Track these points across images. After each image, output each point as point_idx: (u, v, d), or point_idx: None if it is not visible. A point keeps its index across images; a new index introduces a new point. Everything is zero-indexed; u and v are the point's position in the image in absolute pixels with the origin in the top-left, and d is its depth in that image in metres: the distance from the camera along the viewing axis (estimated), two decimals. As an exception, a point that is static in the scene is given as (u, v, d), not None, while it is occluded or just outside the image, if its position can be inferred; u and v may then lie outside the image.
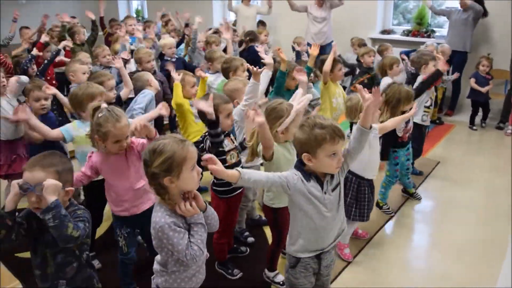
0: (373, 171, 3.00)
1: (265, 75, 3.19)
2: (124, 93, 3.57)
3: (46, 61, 4.69)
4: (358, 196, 2.99)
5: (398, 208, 3.82)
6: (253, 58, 4.59)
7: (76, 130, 2.80)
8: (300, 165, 2.00)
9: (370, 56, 5.05)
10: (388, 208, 3.72)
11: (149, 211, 2.37)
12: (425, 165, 4.61)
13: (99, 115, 2.26)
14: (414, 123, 3.86)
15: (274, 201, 2.61)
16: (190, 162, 1.73)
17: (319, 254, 2.13)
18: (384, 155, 3.44)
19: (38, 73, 4.47)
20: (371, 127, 2.05)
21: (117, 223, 2.56)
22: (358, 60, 5.36)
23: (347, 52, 6.73)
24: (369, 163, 2.93)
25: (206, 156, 1.75)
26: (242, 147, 2.77)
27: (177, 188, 1.74)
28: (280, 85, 3.53)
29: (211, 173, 2.55)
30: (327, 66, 3.84)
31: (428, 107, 4.08)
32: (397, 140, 3.55)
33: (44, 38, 4.85)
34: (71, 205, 1.90)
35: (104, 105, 2.36)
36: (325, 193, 1.99)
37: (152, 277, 1.85)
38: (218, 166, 1.77)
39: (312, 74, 4.60)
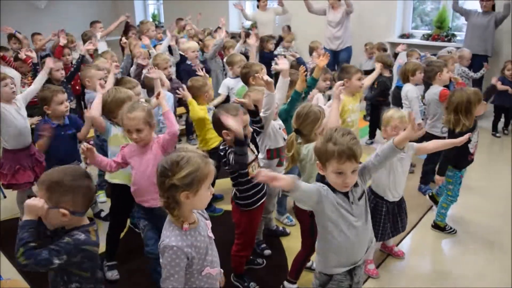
0: (395, 193, 2.86)
1: (283, 83, 3.10)
2: (154, 102, 3.51)
3: (73, 68, 4.67)
4: (374, 216, 2.85)
5: (420, 218, 3.70)
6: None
7: (114, 130, 2.93)
8: (321, 179, 1.95)
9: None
10: (451, 228, 3.50)
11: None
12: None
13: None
14: (435, 136, 3.75)
15: None
16: (209, 180, 1.70)
17: (351, 270, 2.05)
18: (442, 171, 3.27)
19: (65, 79, 4.47)
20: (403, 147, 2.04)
21: (139, 215, 2.68)
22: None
23: (360, 57, 6.62)
24: (391, 184, 2.82)
25: (261, 172, 1.72)
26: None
27: (190, 205, 1.69)
28: (293, 107, 3.22)
29: (234, 185, 2.57)
30: (368, 81, 3.80)
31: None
32: (467, 158, 3.27)
33: (63, 40, 4.86)
34: (73, 229, 1.79)
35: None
36: (352, 203, 1.94)
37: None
38: (275, 176, 1.73)
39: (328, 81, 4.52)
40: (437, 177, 3.31)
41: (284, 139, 3.01)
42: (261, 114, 2.78)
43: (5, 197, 4.15)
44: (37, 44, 6.15)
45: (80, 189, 1.78)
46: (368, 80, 4.08)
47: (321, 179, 1.96)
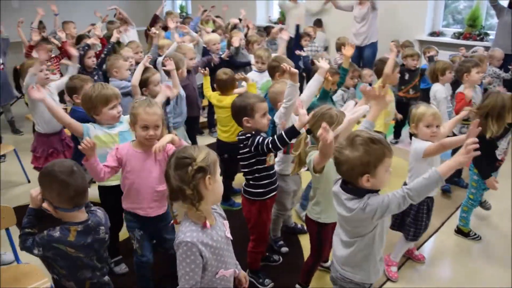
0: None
1: (317, 81, 3.03)
2: (173, 93, 3.51)
3: (103, 55, 4.70)
4: (417, 216, 2.81)
5: (443, 222, 3.60)
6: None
7: (93, 130, 2.66)
8: (365, 189, 1.80)
9: (414, 60, 4.87)
10: (475, 234, 3.39)
11: (160, 218, 2.50)
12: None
13: (135, 101, 2.35)
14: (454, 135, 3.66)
15: (321, 215, 2.46)
16: (218, 166, 1.70)
17: None
18: (485, 175, 3.08)
19: (96, 66, 4.52)
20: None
21: (130, 225, 2.54)
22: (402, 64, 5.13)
23: (385, 54, 6.47)
24: None
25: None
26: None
27: (212, 194, 1.67)
28: (323, 102, 3.24)
29: (246, 174, 2.56)
30: (389, 68, 3.67)
31: (466, 120, 3.77)
32: (495, 163, 3.17)
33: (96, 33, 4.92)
34: (59, 228, 1.82)
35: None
36: None
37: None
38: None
39: (355, 77, 4.44)
40: (488, 182, 3.07)
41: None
42: (283, 105, 2.71)
43: (29, 181, 4.24)
44: (70, 31, 6.24)
45: (54, 185, 1.78)
46: (387, 67, 3.87)
47: (357, 190, 1.82)
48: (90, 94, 2.64)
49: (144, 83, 3.27)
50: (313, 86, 3.00)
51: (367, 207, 1.76)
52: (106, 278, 2.03)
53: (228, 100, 3.56)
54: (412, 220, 2.83)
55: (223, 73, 3.68)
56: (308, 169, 2.43)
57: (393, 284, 2.89)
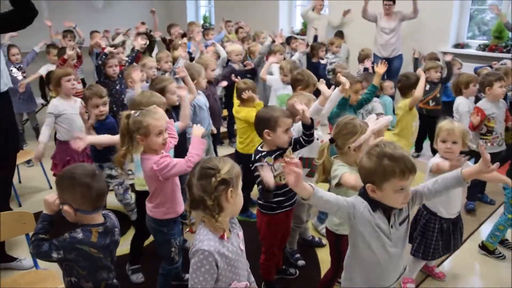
0: (451, 210, 2.70)
1: (337, 95, 3.03)
2: (188, 99, 3.53)
3: (127, 63, 4.77)
4: (425, 232, 2.74)
5: (465, 239, 3.48)
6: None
7: None
8: (365, 193, 1.82)
9: (437, 72, 4.82)
10: (500, 253, 3.27)
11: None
12: (500, 193, 4.21)
13: (136, 114, 2.33)
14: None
15: (339, 227, 2.44)
16: (240, 179, 1.71)
17: None
18: None
19: (120, 75, 4.57)
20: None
21: (172, 233, 2.55)
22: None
23: (410, 65, 6.41)
24: (444, 200, 2.65)
25: (292, 159, 1.65)
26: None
27: (232, 207, 1.69)
28: (342, 110, 3.29)
29: (258, 185, 2.53)
30: (419, 92, 3.62)
31: (484, 134, 3.72)
32: None
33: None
34: (78, 226, 1.86)
35: (133, 111, 2.39)
36: (391, 226, 1.82)
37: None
38: (299, 173, 1.64)
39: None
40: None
41: None
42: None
43: (51, 187, 4.31)
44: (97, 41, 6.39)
45: (77, 187, 1.82)
46: (418, 91, 3.86)
47: (364, 193, 1.84)
48: (139, 100, 2.84)
49: (160, 92, 3.30)
50: (332, 100, 3.01)
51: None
52: (115, 280, 2.06)
53: (243, 113, 3.56)
54: (419, 235, 2.76)
55: (243, 83, 3.69)
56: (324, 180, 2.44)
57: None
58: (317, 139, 2.93)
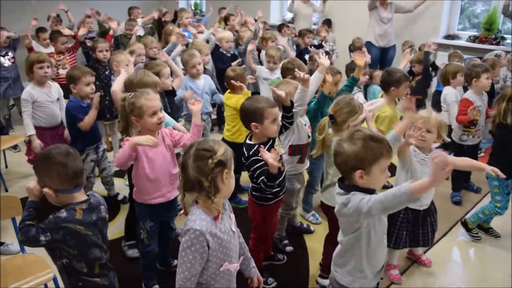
0: (419, 201, 2.61)
1: (317, 77, 3.01)
2: (176, 83, 3.61)
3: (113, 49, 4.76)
4: (391, 220, 2.71)
5: (450, 228, 3.54)
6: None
7: None
8: (353, 186, 1.78)
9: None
10: (477, 234, 3.37)
11: (173, 206, 2.62)
12: (484, 182, 4.25)
13: (130, 96, 2.38)
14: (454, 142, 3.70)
15: (332, 201, 2.51)
16: (233, 162, 1.72)
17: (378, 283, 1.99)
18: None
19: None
20: None
21: (142, 216, 2.58)
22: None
23: (401, 57, 6.44)
24: None
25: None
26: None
27: (227, 188, 1.70)
28: (321, 106, 3.20)
29: (251, 178, 2.54)
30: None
31: (467, 127, 3.72)
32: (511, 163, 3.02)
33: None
34: (64, 209, 1.84)
35: (128, 94, 2.44)
36: None
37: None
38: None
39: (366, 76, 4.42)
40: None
41: (309, 136, 2.94)
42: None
43: (6, 190, 4.22)
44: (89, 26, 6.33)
45: (52, 167, 1.81)
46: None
47: (348, 186, 1.80)
48: (131, 79, 2.90)
49: (155, 75, 3.29)
50: (313, 83, 2.94)
51: (349, 203, 1.75)
52: (109, 264, 2.06)
53: (233, 100, 3.54)
54: (393, 227, 2.74)
55: (232, 70, 3.67)
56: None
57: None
58: (305, 125, 2.93)
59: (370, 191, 1.76)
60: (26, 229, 1.83)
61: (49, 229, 1.81)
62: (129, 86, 2.87)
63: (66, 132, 3.64)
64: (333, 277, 2.02)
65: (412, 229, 2.77)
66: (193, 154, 1.66)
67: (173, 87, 3.50)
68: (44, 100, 3.58)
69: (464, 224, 3.42)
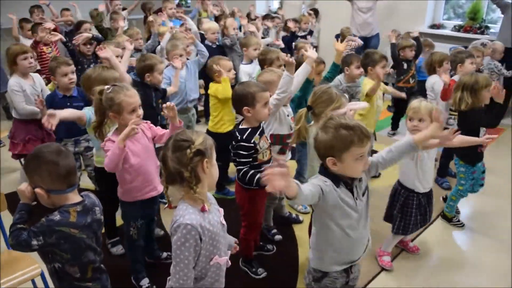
0: (426, 184, 2.80)
1: (304, 69, 3.00)
2: (170, 90, 3.62)
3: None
4: (404, 210, 2.81)
5: (438, 215, 3.57)
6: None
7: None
8: (325, 171, 1.82)
9: (412, 51, 4.92)
10: (458, 221, 3.47)
11: (157, 199, 2.63)
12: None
13: (108, 91, 2.30)
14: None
15: None
16: (214, 150, 1.71)
17: (349, 268, 1.97)
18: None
19: (94, 53, 4.43)
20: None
21: (132, 215, 2.56)
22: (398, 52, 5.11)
23: (385, 47, 6.46)
24: (420, 176, 2.75)
25: (278, 160, 1.58)
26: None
27: (209, 177, 1.68)
28: (306, 93, 3.18)
29: (237, 165, 2.54)
30: (372, 90, 3.51)
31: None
32: (476, 151, 3.17)
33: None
34: (57, 212, 1.77)
35: (106, 86, 2.36)
36: (356, 199, 1.83)
37: (168, 278, 1.75)
38: (284, 185, 1.51)
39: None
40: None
41: (291, 127, 2.93)
42: (275, 96, 2.70)
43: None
44: (68, 18, 6.24)
45: (43, 166, 1.74)
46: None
47: (324, 170, 1.83)
48: (89, 74, 2.81)
49: (149, 69, 3.25)
50: (300, 75, 2.97)
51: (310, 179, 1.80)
52: (103, 266, 2.01)
53: (213, 88, 3.53)
54: (399, 214, 2.83)
55: (211, 61, 3.66)
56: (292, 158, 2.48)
57: (386, 275, 2.88)
58: (288, 116, 2.93)
59: (337, 179, 1.78)
60: (17, 233, 1.74)
61: (42, 233, 1.73)
62: (87, 81, 2.80)
63: None
64: (309, 261, 2.06)
65: (423, 212, 2.85)
66: (171, 146, 1.64)
67: (166, 91, 3.51)
68: (30, 92, 3.50)
69: (444, 217, 3.51)
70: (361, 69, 3.78)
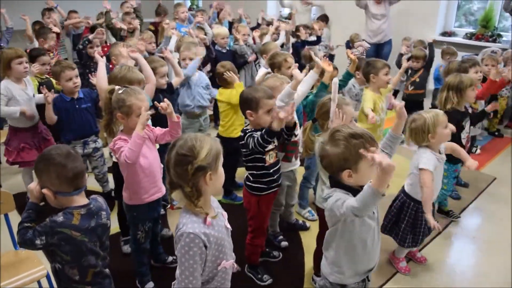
0: (434, 196, 2.75)
1: (312, 77, 2.98)
2: (176, 81, 3.57)
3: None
4: (414, 223, 2.77)
5: (446, 225, 3.53)
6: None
7: None
8: (340, 185, 1.78)
9: (418, 62, 4.92)
10: (454, 214, 3.57)
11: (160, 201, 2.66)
12: (480, 180, 4.27)
13: (119, 92, 2.30)
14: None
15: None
16: (221, 155, 1.66)
17: (365, 278, 1.96)
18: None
19: (102, 56, 4.44)
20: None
21: (140, 218, 2.56)
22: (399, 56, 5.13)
23: (397, 53, 6.43)
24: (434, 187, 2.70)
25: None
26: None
27: (212, 187, 1.63)
28: (318, 99, 3.15)
29: (247, 169, 2.58)
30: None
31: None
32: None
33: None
34: (61, 213, 1.79)
35: (117, 87, 2.38)
36: None
37: (172, 283, 1.74)
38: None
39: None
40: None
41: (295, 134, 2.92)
42: (276, 103, 2.67)
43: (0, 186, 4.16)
44: (71, 21, 6.24)
45: (52, 167, 1.76)
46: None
47: (336, 184, 1.80)
48: (115, 74, 2.84)
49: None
50: (307, 82, 2.96)
51: (329, 199, 1.76)
52: (107, 270, 2.00)
53: (226, 94, 3.52)
54: (408, 227, 2.78)
55: (221, 66, 3.64)
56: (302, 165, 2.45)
57: (392, 284, 2.85)
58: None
59: (355, 190, 1.73)
60: (23, 231, 1.78)
61: (45, 233, 1.76)
62: (113, 81, 2.81)
63: (42, 126, 3.58)
64: (322, 272, 2.03)
65: (426, 224, 2.78)
66: (173, 158, 1.60)
67: (172, 84, 3.48)
68: (22, 98, 3.41)
69: (440, 211, 3.61)
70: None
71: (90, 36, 4.48)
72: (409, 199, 2.76)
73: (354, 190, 1.73)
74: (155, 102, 2.52)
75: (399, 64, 5.01)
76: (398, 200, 2.83)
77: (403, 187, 2.83)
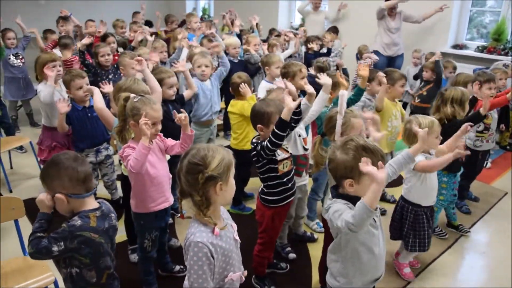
0: (430, 198, 2.81)
1: (322, 98, 2.94)
2: (187, 94, 3.60)
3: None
4: (415, 226, 2.80)
5: (456, 239, 3.50)
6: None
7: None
8: (341, 194, 1.79)
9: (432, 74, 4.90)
10: (441, 230, 3.50)
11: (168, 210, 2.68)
12: (491, 194, 4.23)
13: (135, 100, 2.32)
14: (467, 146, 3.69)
15: None
16: (232, 168, 1.66)
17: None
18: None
19: (114, 65, 4.50)
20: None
21: (147, 227, 2.56)
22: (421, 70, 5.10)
23: (407, 65, 6.42)
24: (425, 190, 2.75)
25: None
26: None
27: (222, 198, 1.64)
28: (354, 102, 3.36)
29: (262, 181, 2.57)
30: (380, 100, 3.51)
31: (481, 132, 3.76)
32: (458, 159, 3.07)
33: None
34: (77, 217, 1.80)
35: (132, 95, 2.40)
36: (375, 215, 1.84)
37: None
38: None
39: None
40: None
41: (304, 148, 2.91)
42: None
43: (10, 191, 4.22)
44: (88, 30, 6.29)
45: (63, 171, 1.79)
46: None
47: (337, 194, 1.81)
48: (120, 86, 2.81)
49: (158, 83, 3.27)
50: (318, 104, 2.92)
51: (329, 209, 1.77)
52: (115, 272, 2.02)
53: (238, 105, 3.52)
54: (411, 231, 2.82)
55: (238, 77, 3.65)
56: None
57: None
58: (299, 136, 2.90)
59: (355, 199, 1.73)
60: (36, 241, 1.77)
61: (63, 238, 1.75)
62: (117, 92, 2.78)
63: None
64: (327, 281, 2.03)
65: (431, 224, 2.85)
66: (185, 166, 1.62)
67: (183, 96, 3.51)
68: (57, 98, 3.50)
69: (450, 225, 3.61)
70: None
71: (79, 45, 4.52)
72: (407, 203, 2.82)
73: (354, 199, 1.74)
74: (174, 111, 2.52)
75: (418, 77, 5.00)
76: (398, 206, 2.90)
77: (401, 196, 2.90)
